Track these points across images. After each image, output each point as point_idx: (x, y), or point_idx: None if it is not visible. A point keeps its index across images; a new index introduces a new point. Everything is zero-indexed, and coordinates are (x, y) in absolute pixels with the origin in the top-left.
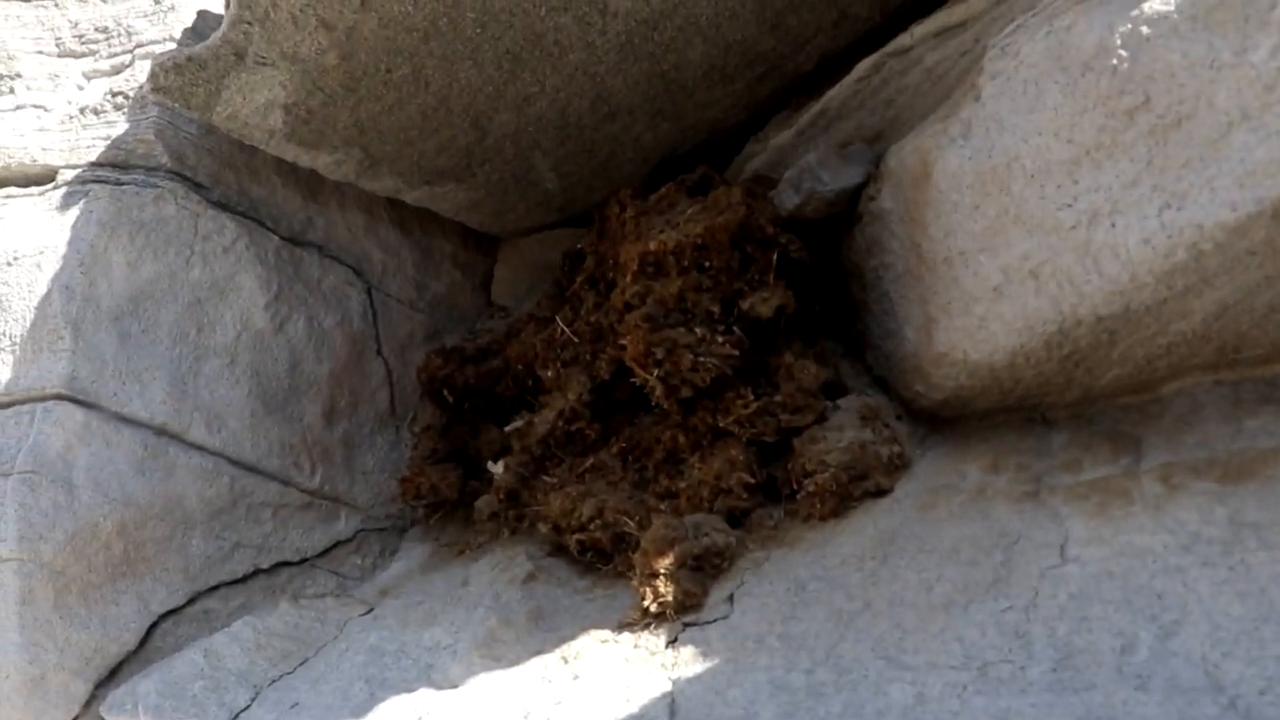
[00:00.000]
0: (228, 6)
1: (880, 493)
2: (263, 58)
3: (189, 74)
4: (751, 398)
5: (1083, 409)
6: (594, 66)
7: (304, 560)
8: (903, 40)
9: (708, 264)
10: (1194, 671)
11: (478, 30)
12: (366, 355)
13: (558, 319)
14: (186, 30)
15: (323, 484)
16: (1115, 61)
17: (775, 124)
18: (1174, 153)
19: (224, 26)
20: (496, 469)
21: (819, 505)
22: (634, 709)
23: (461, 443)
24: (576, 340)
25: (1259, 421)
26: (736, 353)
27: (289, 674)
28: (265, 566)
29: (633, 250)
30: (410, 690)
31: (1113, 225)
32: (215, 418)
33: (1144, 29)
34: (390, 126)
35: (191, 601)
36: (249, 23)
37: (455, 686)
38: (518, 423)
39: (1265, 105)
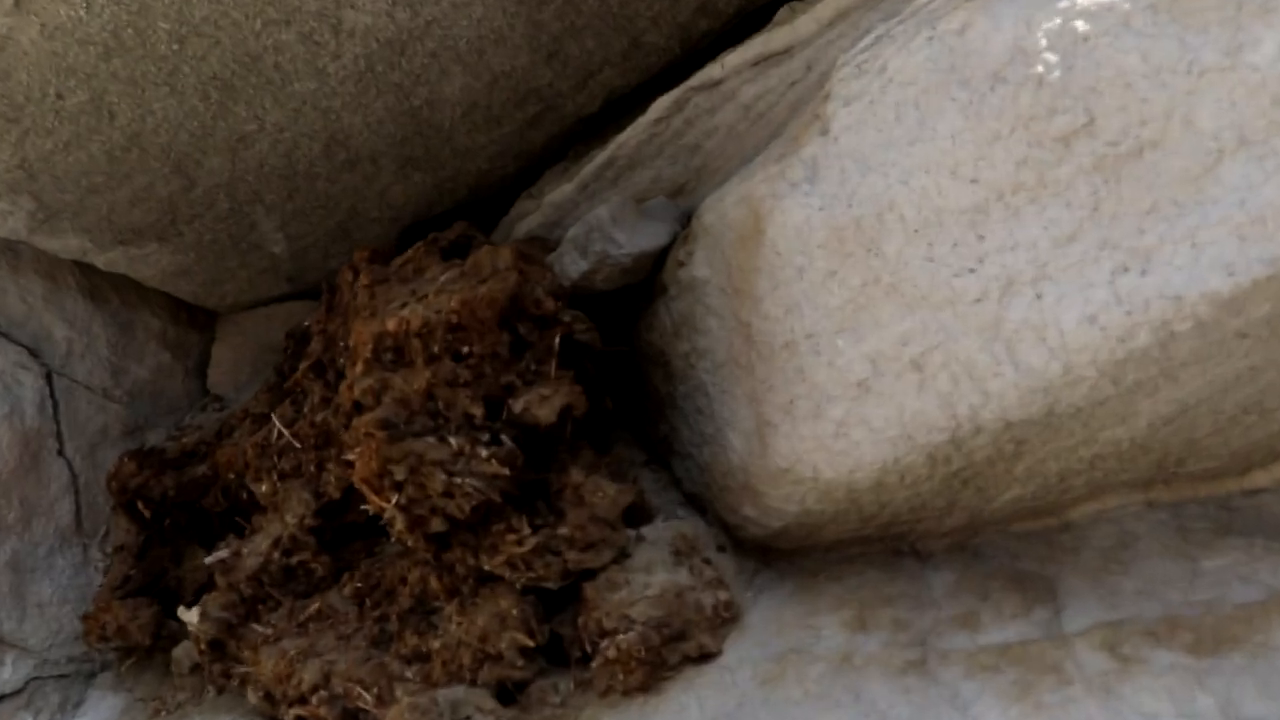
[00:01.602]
0: None
1: (705, 657)
2: None
3: None
4: (527, 531)
5: (965, 539)
6: (326, 100)
7: None
8: (712, 72)
9: (466, 350)
10: None
11: (174, 47)
12: (44, 456)
13: (274, 417)
14: None
15: None
16: (1040, 70)
17: (552, 176)
18: (1133, 194)
19: None
20: (190, 617)
21: (622, 676)
22: None
23: (160, 569)
24: (298, 446)
25: (1222, 561)
26: (506, 471)
27: None
28: None
29: (365, 331)
30: None
31: (1038, 297)
32: None
33: (1079, 25)
34: (68, 170)
35: None
36: None
37: None
38: (222, 552)
39: (1274, 124)
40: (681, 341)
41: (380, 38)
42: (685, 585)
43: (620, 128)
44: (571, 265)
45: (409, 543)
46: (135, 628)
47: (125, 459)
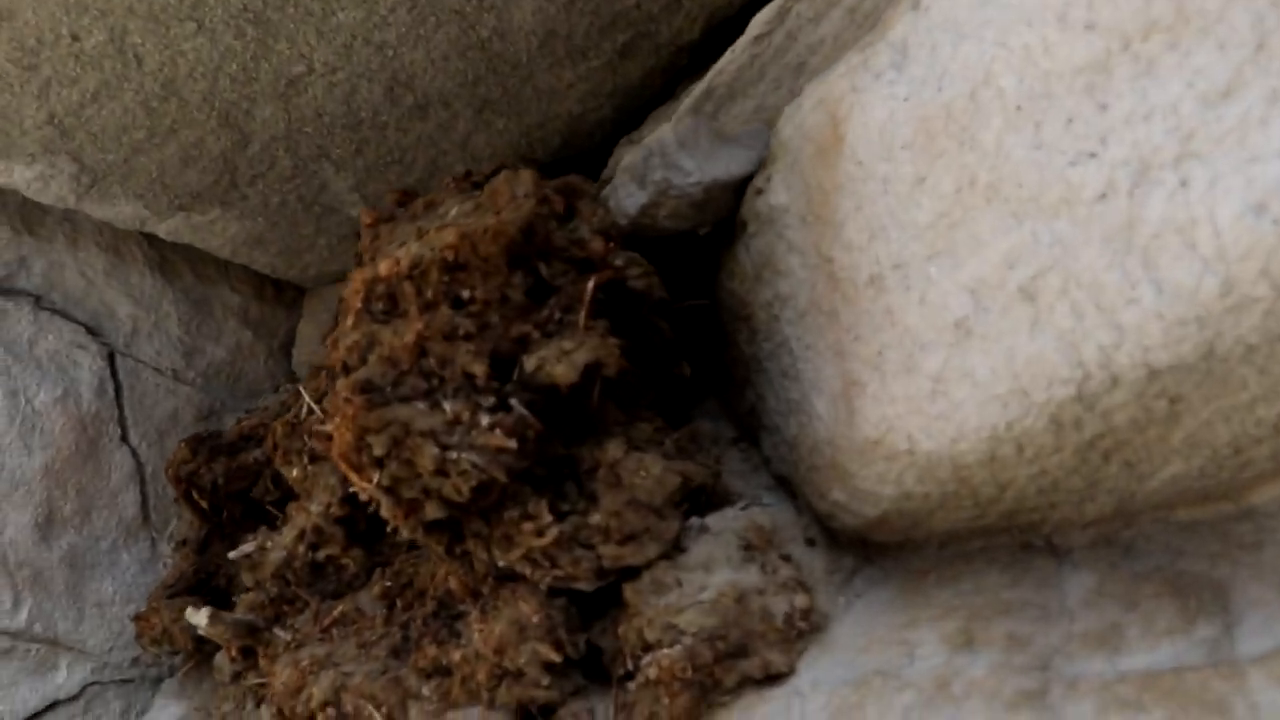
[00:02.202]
0: None
1: (772, 678)
2: None
3: None
4: (548, 518)
5: (1114, 530)
6: (379, 33)
7: None
8: None
9: (468, 295)
10: None
11: None
12: (103, 444)
13: (302, 390)
14: None
15: (32, 621)
16: None
17: (656, 118)
18: None
19: None
20: (198, 619)
21: (666, 701)
22: None
23: (215, 566)
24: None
25: None
26: (513, 444)
27: None
28: None
29: (358, 279)
30: None
31: (1183, 184)
32: None
33: None
34: (104, 125)
35: None
36: None
37: None
38: (248, 546)
39: None
40: (764, 288)
41: None
42: (752, 587)
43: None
44: (627, 198)
45: (406, 534)
46: (179, 630)
47: (183, 445)
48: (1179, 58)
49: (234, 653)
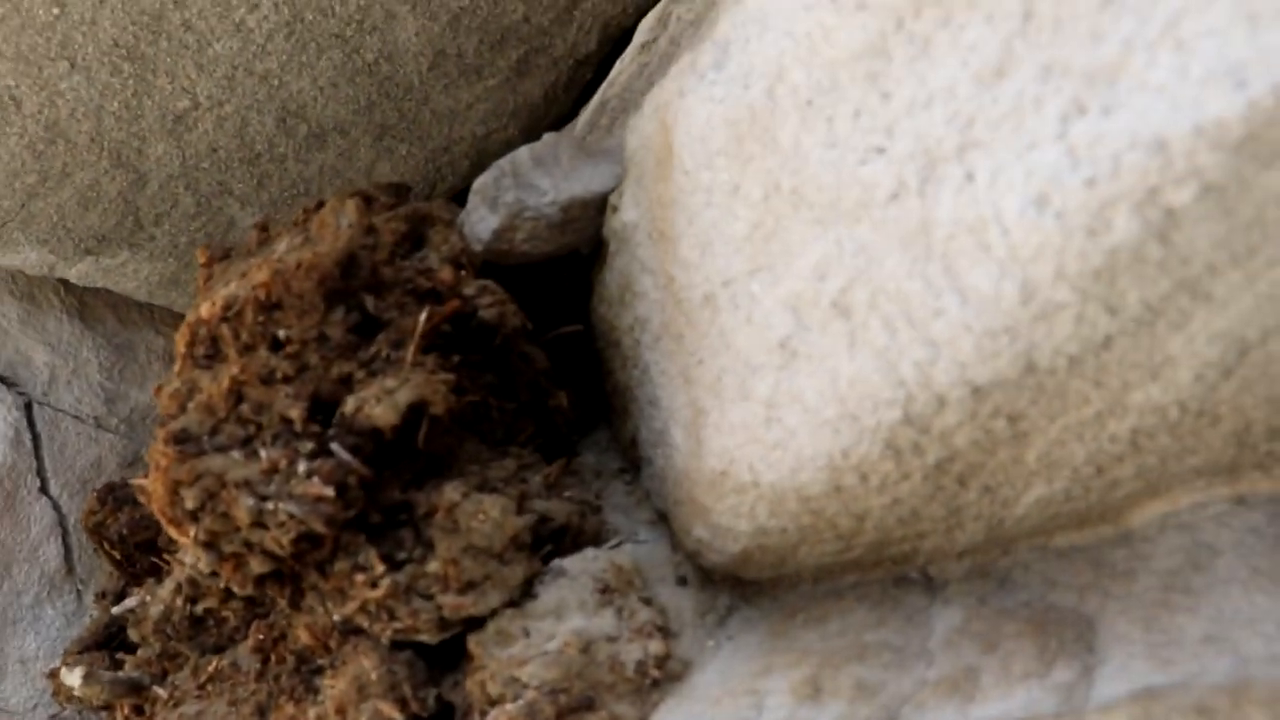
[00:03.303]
0: None
1: None
2: None
3: None
4: (380, 569)
5: (990, 560)
6: (259, 63)
7: None
8: None
9: (283, 334)
10: None
11: (54, 12)
12: (21, 496)
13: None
14: None
15: None
16: None
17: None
18: None
19: None
20: (72, 680)
21: None
22: None
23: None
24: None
25: None
26: (330, 492)
27: None
28: None
29: (185, 323)
30: None
31: (968, 178)
32: None
33: None
34: None
35: None
36: None
37: None
38: (130, 601)
39: None
40: (626, 311)
41: None
42: (602, 634)
43: None
44: (480, 223)
45: (237, 590)
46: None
47: (92, 495)
48: (952, 34)
49: (126, 712)
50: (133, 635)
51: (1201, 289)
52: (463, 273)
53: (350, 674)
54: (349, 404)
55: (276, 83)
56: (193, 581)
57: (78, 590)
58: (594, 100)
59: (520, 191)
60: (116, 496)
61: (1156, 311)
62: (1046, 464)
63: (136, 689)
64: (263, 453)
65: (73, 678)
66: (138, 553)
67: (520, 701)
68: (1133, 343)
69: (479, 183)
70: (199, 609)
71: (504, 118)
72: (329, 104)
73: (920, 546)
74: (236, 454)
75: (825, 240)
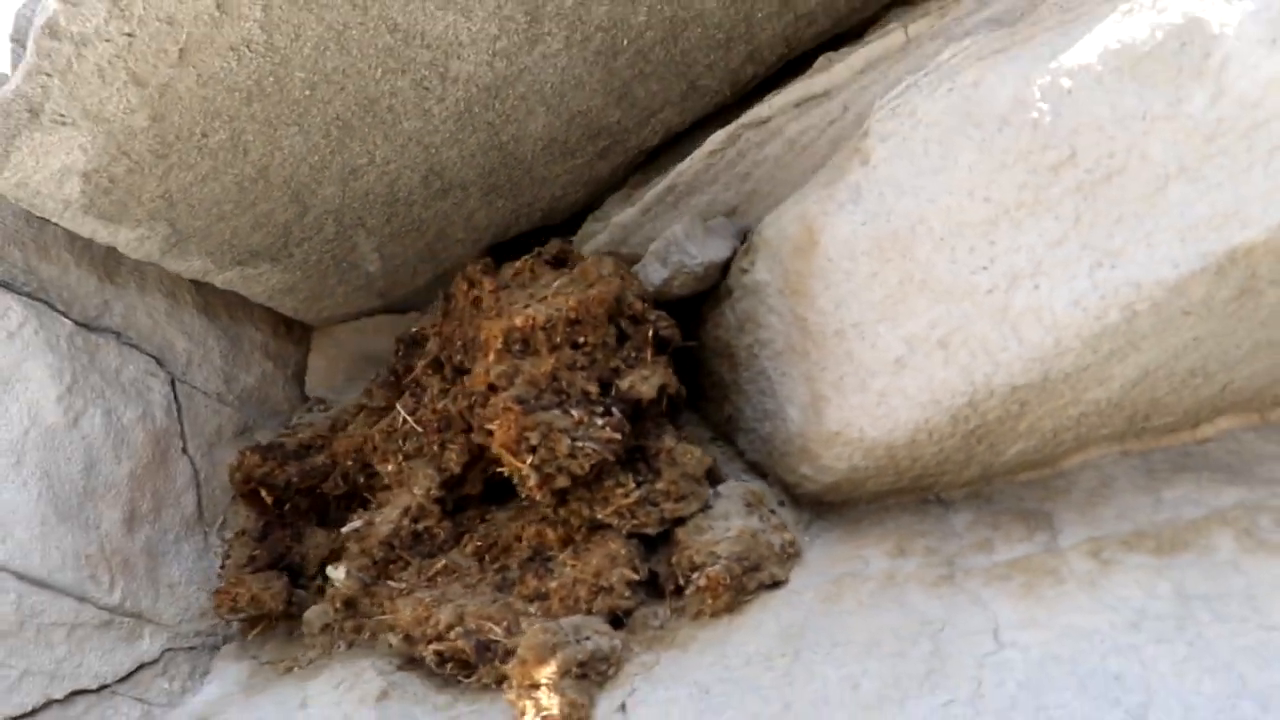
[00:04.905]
0: (19, 54)
1: (776, 584)
2: (62, 116)
3: None
4: (633, 486)
5: (980, 488)
6: (429, 136)
7: (103, 687)
8: (760, 111)
9: (582, 340)
10: None
11: (306, 92)
12: (171, 454)
13: (399, 407)
14: None
15: (124, 599)
16: (1035, 115)
17: (614, 201)
18: (1105, 209)
19: (17, 78)
20: (338, 574)
21: (711, 600)
22: None
23: (284, 549)
24: (421, 430)
25: (1178, 491)
26: (618, 436)
27: None
28: (59, 696)
29: (495, 327)
30: None
31: (1036, 287)
32: None
33: (1064, 81)
34: (203, 199)
35: None
36: (48, 74)
37: None
38: (356, 523)
39: (1204, 157)
40: (745, 335)
41: (479, 84)
42: (757, 528)
43: (678, 158)
44: (655, 273)
45: (537, 497)
46: (269, 596)
47: (248, 452)
48: (1035, 221)
49: (337, 605)
50: (352, 549)
51: (1137, 345)
52: (646, 304)
53: (602, 553)
54: (623, 384)
55: (434, 151)
56: (420, 507)
57: (205, 532)
58: (664, 181)
59: (681, 255)
60: (280, 454)
61: (1114, 354)
62: (1029, 431)
63: (365, 585)
64: (572, 411)
65: (338, 572)
66: (296, 497)
67: (719, 565)
68: (1097, 368)
69: (654, 247)
70: (420, 526)
71: (579, 186)
72: (464, 168)
73: (939, 480)
74: (556, 412)
75: (938, 308)
